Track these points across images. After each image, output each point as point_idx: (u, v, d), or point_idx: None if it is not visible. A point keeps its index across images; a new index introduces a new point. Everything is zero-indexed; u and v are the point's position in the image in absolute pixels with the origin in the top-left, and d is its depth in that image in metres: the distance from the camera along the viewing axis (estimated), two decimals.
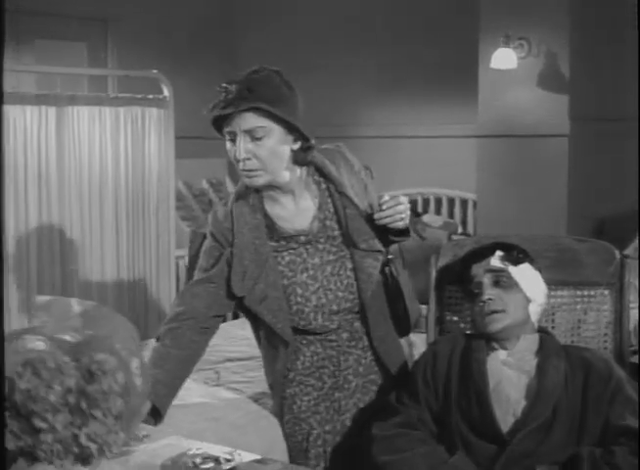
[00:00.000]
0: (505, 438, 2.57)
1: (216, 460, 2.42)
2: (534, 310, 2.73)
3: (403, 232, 2.81)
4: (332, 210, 2.87)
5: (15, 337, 2.21)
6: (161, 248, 4.93)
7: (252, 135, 2.68)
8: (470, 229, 7.86)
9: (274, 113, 2.66)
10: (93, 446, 1.99)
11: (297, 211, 2.86)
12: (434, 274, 3.13)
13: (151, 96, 4.87)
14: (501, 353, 2.70)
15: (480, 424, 2.62)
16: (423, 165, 8.19)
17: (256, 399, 3.24)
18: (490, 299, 2.68)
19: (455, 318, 3.12)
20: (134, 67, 6.80)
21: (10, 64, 7.61)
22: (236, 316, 4.90)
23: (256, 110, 2.66)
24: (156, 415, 2.70)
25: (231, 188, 3.22)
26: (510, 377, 2.66)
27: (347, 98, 8.67)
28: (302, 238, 2.85)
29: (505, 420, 2.60)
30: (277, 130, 2.70)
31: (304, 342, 2.92)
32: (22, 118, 4.40)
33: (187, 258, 6.37)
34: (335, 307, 2.87)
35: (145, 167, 4.83)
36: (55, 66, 7.22)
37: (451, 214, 8.16)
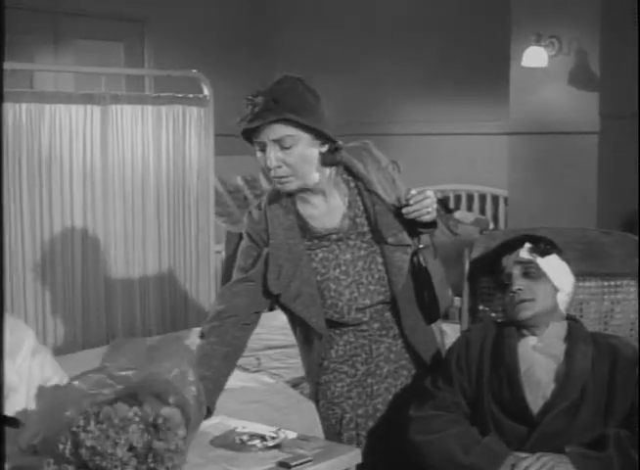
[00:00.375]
0: (535, 419, 2.69)
1: (262, 438, 2.58)
2: (562, 299, 2.85)
3: (431, 224, 2.91)
4: (361, 207, 2.96)
5: (80, 376, 2.39)
6: (201, 242, 5.06)
7: (281, 144, 2.78)
8: (501, 225, 7.93)
9: (301, 122, 2.76)
10: None
11: (328, 210, 2.96)
12: (467, 266, 3.24)
13: (191, 95, 4.99)
14: (531, 339, 2.81)
15: (512, 406, 2.74)
16: (455, 162, 8.27)
17: (295, 383, 3.39)
18: (520, 289, 2.80)
19: (487, 308, 3.24)
20: (169, 66, 6.92)
21: (50, 64, 7.83)
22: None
23: (284, 120, 2.76)
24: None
25: (265, 184, 3.36)
26: (540, 361, 2.77)
27: (381, 96, 8.74)
28: (334, 236, 2.95)
29: (535, 402, 2.71)
30: (305, 137, 2.79)
31: (338, 332, 3.02)
32: (68, 117, 4.53)
33: (224, 254, 6.51)
34: (367, 301, 2.97)
35: (185, 164, 4.96)
36: (93, 65, 7.36)
37: (483, 211, 8.23)
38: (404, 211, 2.85)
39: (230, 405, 3.01)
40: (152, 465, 2.20)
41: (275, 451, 2.52)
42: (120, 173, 4.73)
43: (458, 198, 8.35)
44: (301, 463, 2.45)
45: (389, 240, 2.94)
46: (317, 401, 3.12)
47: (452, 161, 8.30)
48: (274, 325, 3.92)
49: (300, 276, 2.94)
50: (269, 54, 9.38)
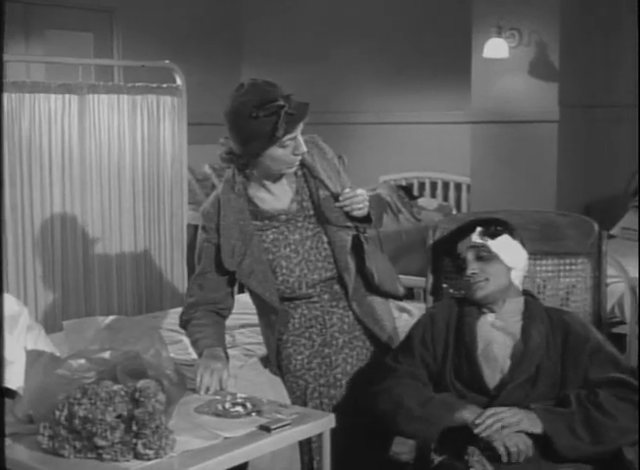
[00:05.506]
0: (493, 393, 2.88)
1: (243, 405, 2.76)
2: (516, 276, 3.05)
3: (365, 219, 3.21)
4: (307, 192, 3.26)
5: (61, 362, 2.58)
6: (175, 227, 5.19)
7: None
8: (464, 212, 8.12)
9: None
10: (150, 452, 2.37)
11: (279, 194, 3.25)
12: (430, 247, 3.45)
13: (165, 85, 5.10)
14: (490, 316, 3.01)
15: (471, 381, 2.94)
16: (419, 150, 8.42)
17: (265, 357, 3.58)
18: (474, 273, 3.01)
19: (449, 286, 3.44)
20: (138, 56, 7.00)
21: (21, 54, 7.88)
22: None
23: None
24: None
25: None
26: (498, 339, 2.96)
27: (347, 86, 8.86)
28: (283, 217, 3.24)
29: (493, 377, 2.91)
30: None
31: (292, 305, 3.29)
32: (47, 106, 4.61)
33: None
34: (316, 276, 3.24)
35: (160, 152, 5.06)
36: (63, 55, 7.41)
37: (446, 198, 8.39)
38: (337, 203, 3.16)
39: None
40: (136, 430, 2.39)
41: (256, 417, 2.69)
42: (97, 161, 4.82)
43: (422, 185, 8.51)
44: (281, 426, 2.62)
45: (333, 222, 3.22)
46: (282, 377, 3.35)
47: (416, 149, 8.45)
48: (248, 306, 4.11)
49: (251, 254, 3.21)
50: (236, 44, 9.48)
